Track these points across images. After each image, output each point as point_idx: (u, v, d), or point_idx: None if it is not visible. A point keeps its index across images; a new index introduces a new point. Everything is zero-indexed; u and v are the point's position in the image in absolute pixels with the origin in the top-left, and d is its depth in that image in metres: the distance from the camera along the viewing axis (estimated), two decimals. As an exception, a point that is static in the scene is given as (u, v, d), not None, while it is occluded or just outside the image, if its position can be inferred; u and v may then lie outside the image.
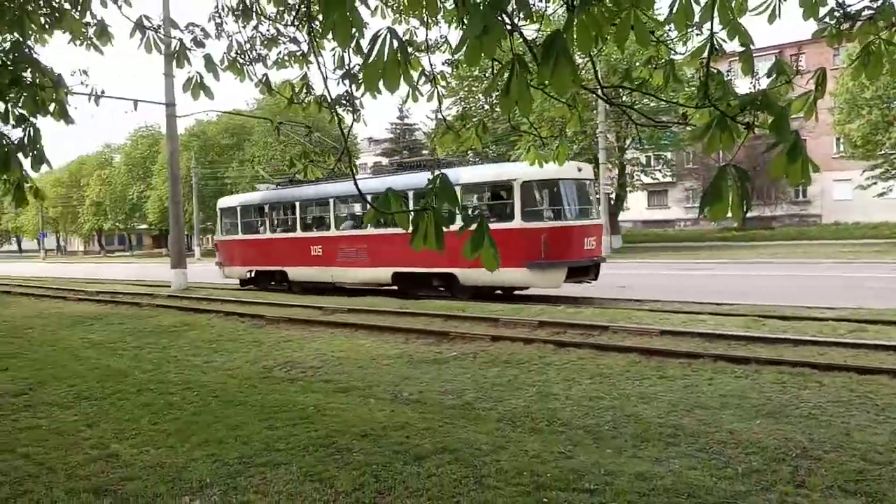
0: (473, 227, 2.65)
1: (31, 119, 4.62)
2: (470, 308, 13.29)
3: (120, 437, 5.70)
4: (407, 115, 65.77)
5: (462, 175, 16.27)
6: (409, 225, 2.75)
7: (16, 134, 4.80)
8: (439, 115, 4.33)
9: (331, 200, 19.69)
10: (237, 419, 6.05)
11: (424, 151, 62.93)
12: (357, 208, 19.22)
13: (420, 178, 16.83)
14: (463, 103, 39.18)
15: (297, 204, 20.66)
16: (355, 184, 3.05)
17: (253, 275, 21.98)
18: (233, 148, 59.28)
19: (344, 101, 4.36)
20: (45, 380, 8.05)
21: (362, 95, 4.26)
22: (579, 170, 15.82)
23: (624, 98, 26.25)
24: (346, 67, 3.97)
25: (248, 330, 11.96)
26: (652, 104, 29.11)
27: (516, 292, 16.76)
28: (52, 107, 4.62)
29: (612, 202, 35.57)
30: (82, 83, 4.82)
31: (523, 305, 13.54)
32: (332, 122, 4.97)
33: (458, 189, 15.70)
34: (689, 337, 9.31)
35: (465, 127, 4.55)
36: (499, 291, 16.75)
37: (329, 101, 4.06)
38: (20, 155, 4.56)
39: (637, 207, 52.62)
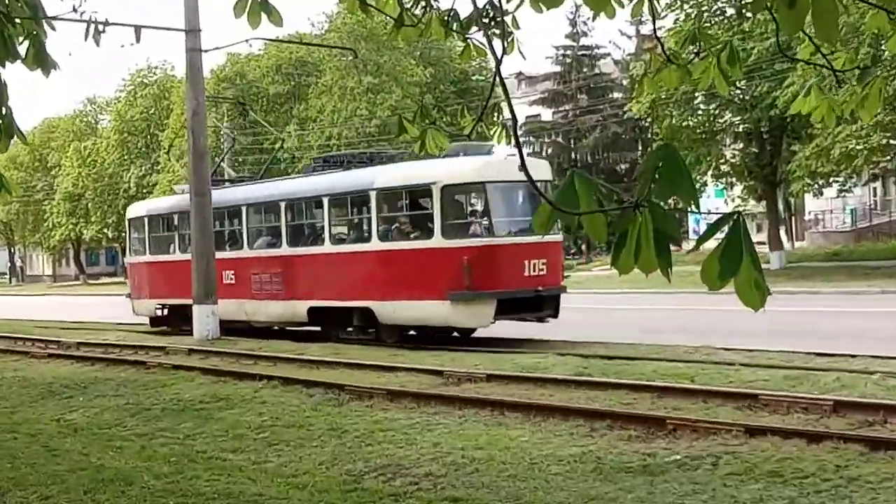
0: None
1: (-5, 69, 5.11)
2: (702, 375, 13.10)
3: (123, 582, 6.12)
4: (585, 31, 65.66)
5: (378, 177, 20.43)
6: (606, 233, 2.83)
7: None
8: (649, 33, 4.39)
9: (243, 208, 24.17)
10: (308, 560, 6.32)
11: (616, 94, 62.55)
12: (273, 218, 23.51)
13: (343, 180, 21.35)
14: (687, 7, 38.63)
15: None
16: (523, 167, 3.14)
17: (165, 311, 26.57)
18: (288, 99, 61.64)
19: (486, 20, 4.49)
20: (3, 487, 8.74)
21: (517, 8, 4.38)
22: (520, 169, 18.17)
23: None
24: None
25: (321, 409, 12.41)
26: None
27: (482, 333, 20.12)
28: (24, 47, 5.09)
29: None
30: (74, 9, 5.26)
31: (805, 371, 13.15)
32: (463, 57, 5.16)
33: (373, 195, 20.17)
34: None
35: (697, 55, 4.58)
36: (456, 333, 20.40)
37: (463, 20, 4.21)
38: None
39: None
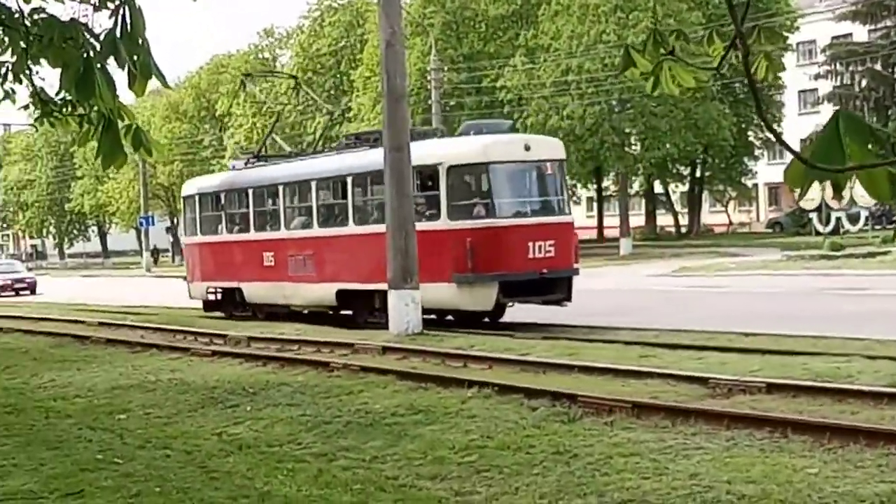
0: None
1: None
2: None
3: None
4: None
5: None
6: (890, 191, 2.76)
7: (100, 23, 5.20)
8: None
9: (280, 187, 29.54)
10: None
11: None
12: (306, 198, 28.69)
13: (365, 158, 25.68)
14: None
15: (251, 192, 30.86)
16: (760, 114, 2.80)
17: (218, 296, 32.23)
18: (514, 24, 61.42)
19: None
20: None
21: None
22: (527, 148, 23.92)
23: None
24: None
25: (545, 426, 12.40)
26: None
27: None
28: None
29: None
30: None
31: None
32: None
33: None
34: None
35: None
36: (486, 319, 24.61)
37: None
38: (112, 61, 4.91)
39: None
